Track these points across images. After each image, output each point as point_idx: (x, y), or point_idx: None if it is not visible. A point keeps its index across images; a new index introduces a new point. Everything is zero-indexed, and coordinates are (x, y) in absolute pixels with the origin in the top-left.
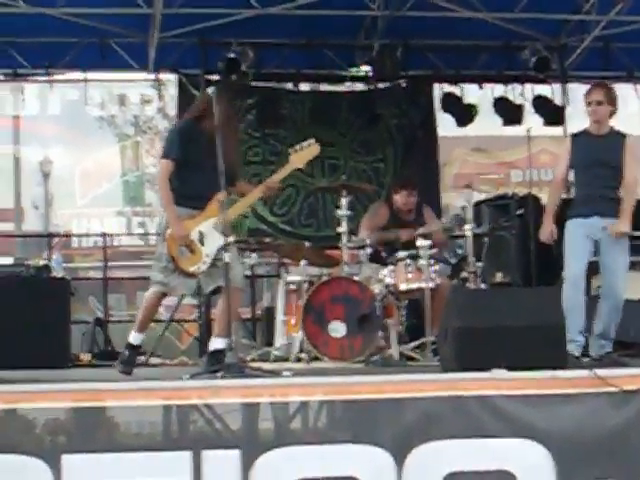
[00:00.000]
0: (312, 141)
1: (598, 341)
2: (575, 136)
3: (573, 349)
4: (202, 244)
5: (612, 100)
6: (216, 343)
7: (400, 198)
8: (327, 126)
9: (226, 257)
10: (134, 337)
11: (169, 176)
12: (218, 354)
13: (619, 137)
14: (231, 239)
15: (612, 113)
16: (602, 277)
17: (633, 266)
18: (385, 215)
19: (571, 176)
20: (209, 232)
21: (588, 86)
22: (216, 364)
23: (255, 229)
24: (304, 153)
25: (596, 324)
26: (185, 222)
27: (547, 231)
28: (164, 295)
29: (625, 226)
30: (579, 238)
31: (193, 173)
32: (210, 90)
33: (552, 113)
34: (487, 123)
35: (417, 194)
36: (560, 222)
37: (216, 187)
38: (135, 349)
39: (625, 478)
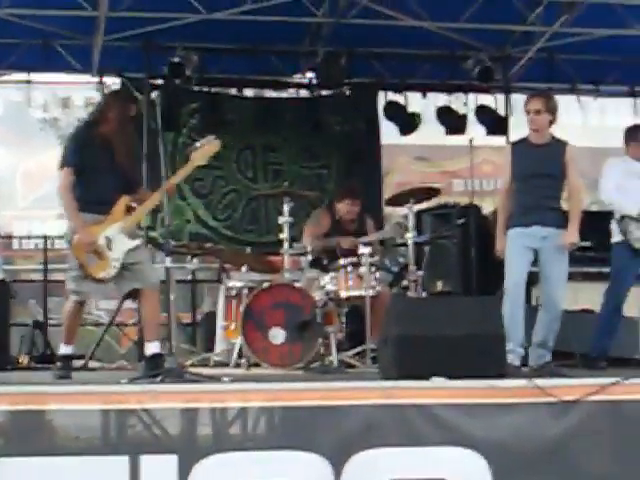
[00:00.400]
0: (211, 137)
1: (537, 350)
2: (515, 145)
3: (512, 359)
4: (109, 249)
5: (551, 109)
6: (151, 347)
7: (343, 207)
8: (271, 132)
9: (167, 261)
10: (64, 349)
11: (71, 184)
12: (156, 358)
13: (560, 145)
14: (138, 242)
15: (551, 122)
16: (541, 287)
17: (573, 277)
18: (327, 223)
19: None
20: (116, 237)
21: None
22: (155, 368)
23: (196, 234)
24: (204, 150)
25: (535, 334)
26: (91, 228)
27: (500, 247)
28: (82, 304)
29: (575, 237)
30: (519, 248)
31: (94, 179)
32: (107, 95)
33: (495, 123)
34: (430, 132)
35: (360, 203)
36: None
37: (119, 191)
38: (68, 359)
39: None
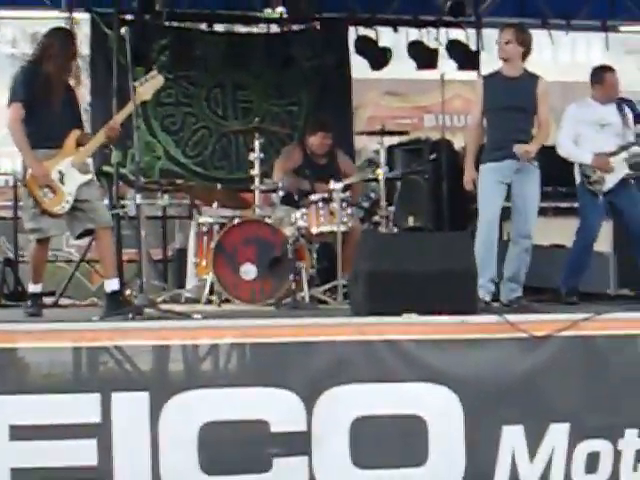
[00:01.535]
0: (155, 72)
1: (508, 285)
2: (486, 78)
3: (483, 294)
4: (62, 183)
5: (523, 41)
6: (110, 285)
7: (315, 140)
8: (240, 69)
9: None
10: (33, 287)
11: (21, 118)
12: (116, 294)
13: (532, 79)
14: (90, 177)
15: (524, 55)
16: (512, 220)
17: (545, 212)
18: (298, 158)
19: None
20: (68, 171)
21: None
22: (115, 305)
23: (167, 170)
24: (148, 85)
25: (506, 268)
26: (43, 163)
27: (469, 179)
28: (44, 242)
29: (532, 148)
30: (492, 184)
31: (43, 114)
32: (47, 32)
33: (466, 58)
34: (401, 67)
35: (332, 137)
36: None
37: (69, 126)
38: (38, 296)
39: (533, 423)
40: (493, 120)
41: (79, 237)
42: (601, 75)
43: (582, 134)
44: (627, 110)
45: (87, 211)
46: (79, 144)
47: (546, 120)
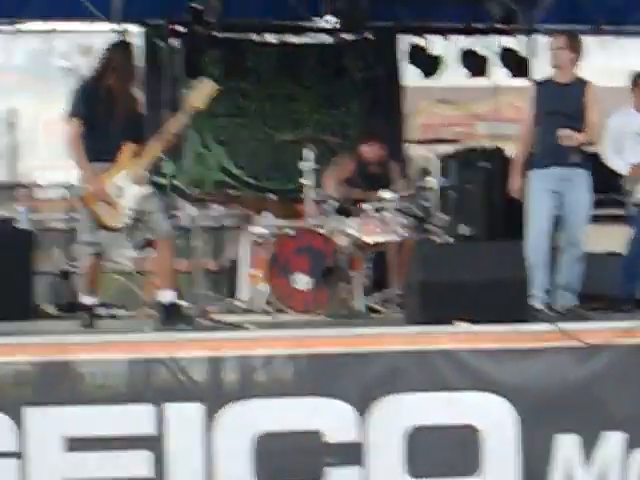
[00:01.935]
0: (203, 79)
1: (562, 293)
2: (538, 84)
3: (537, 302)
4: (120, 197)
5: (574, 47)
6: (166, 296)
7: (366, 148)
8: (291, 80)
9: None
10: (86, 299)
11: (79, 134)
12: (170, 306)
13: (582, 84)
14: (148, 189)
15: (574, 60)
16: (563, 228)
17: (598, 219)
18: (350, 167)
19: None
20: (125, 184)
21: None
22: (169, 317)
23: (219, 181)
24: (197, 92)
25: (559, 276)
26: (101, 177)
27: (515, 186)
28: (100, 256)
29: (576, 134)
30: (541, 192)
31: (104, 128)
32: (108, 47)
33: (518, 65)
34: (453, 74)
35: (384, 146)
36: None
37: (128, 139)
38: (92, 308)
39: (587, 433)
40: (542, 126)
41: (140, 248)
42: (637, 81)
43: (624, 145)
44: None
45: (147, 222)
46: (136, 156)
47: (594, 124)
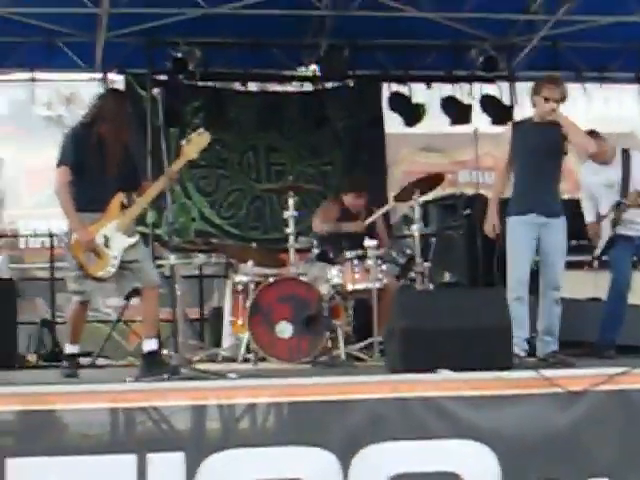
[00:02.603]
0: (201, 130)
1: (543, 338)
2: (516, 124)
3: (518, 350)
4: (107, 247)
5: (564, 97)
6: (149, 344)
7: (349, 199)
8: (274, 130)
9: (172, 258)
10: (70, 348)
11: (68, 183)
12: (152, 355)
13: (559, 125)
14: (136, 239)
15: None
16: (541, 272)
17: (580, 265)
18: (336, 212)
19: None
20: (113, 234)
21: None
22: (151, 365)
23: (202, 231)
24: (195, 143)
25: (539, 322)
26: (89, 227)
27: (491, 227)
28: (85, 304)
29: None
30: (521, 239)
31: (91, 178)
32: (100, 94)
33: (500, 112)
34: (435, 122)
35: (365, 196)
36: (502, 217)
37: (115, 190)
38: (74, 357)
39: (571, 479)
40: (521, 167)
41: (128, 297)
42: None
43: (595, 196)
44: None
45: (134, 271)
46: (123, 207)
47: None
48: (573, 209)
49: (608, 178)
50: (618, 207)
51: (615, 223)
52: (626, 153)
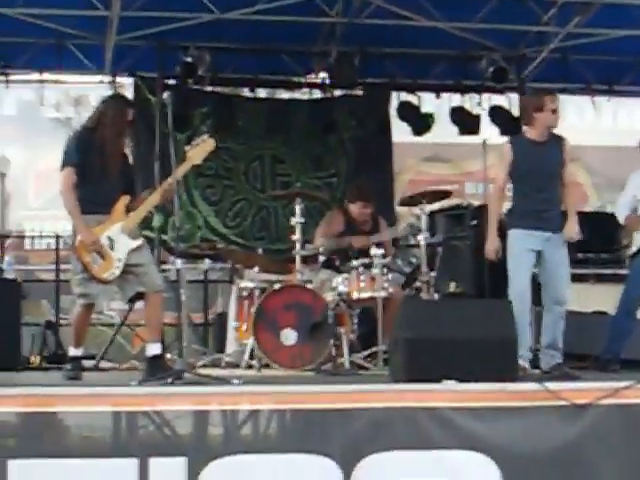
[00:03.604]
0: (206, 136)
1: (547, 352)
2: (513, 142)
3: (522, 362)
4: (112, 249)
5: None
6: (153, 349)
7: (355, 209)
8: (280, 139)
9: (178, 262)
10: (74, 351)
11: (73, 184)
12: (156, 359)
13: (558, 142)
14: (140, 242)
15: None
16: (544, 287)
17: (586, 279)
18: (341, 223)
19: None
20: (118, 236)
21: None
22: (154, 369)
23: (207, 239)
24: (200, 148)
25: (543, 335)
26: (93, 229)
27: (492, 249)
28: (90, 307)
29: (574, 231)
30: (522, 252)
31: (95, 180)
32: (104, 99)
33: (509, 123)
34: (444, 132)
35: (372, 205)
36: (503, 234)
37: (119, 192)
38: (78, 360)
39: None
40: (521, 185)
41: (131, 301)
42: None
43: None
44: None
45: (138, 275)
46: (129, 210)
47: (571, 182)
48: (589, 222)
49: None
50: None
51: None
52: None
